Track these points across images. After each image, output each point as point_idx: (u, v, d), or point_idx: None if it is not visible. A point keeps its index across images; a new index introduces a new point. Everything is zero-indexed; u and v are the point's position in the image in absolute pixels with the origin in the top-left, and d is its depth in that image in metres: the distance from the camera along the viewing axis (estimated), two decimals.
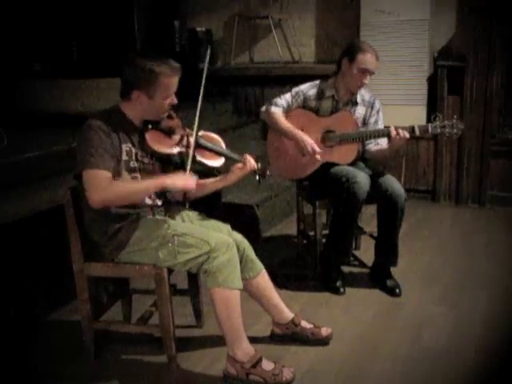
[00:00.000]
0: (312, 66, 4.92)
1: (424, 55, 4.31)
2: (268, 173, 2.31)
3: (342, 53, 2.93)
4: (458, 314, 2.67)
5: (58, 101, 3.80)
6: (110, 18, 4.43)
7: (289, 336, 2.43)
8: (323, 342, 2.42)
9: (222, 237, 2.13)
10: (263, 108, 3.05)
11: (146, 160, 2.18)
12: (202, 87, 2.16)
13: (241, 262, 2.23)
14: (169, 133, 2.15)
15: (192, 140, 2.13)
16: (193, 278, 2.51)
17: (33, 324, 2.63)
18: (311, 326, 2.44)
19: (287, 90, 3.03)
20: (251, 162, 2.28)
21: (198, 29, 5.37)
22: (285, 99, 2.99)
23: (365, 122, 3.04)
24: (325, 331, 2.43)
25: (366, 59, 2.80)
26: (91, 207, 2.06)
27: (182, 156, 2.18)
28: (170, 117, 2.19)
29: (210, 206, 2.46)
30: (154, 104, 2.09)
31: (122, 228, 2.14)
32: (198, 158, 2.18)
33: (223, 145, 2.32)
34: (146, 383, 2.23)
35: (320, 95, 2.98)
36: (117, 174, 2.07)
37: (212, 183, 2.37)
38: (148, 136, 2.11)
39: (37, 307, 2.67)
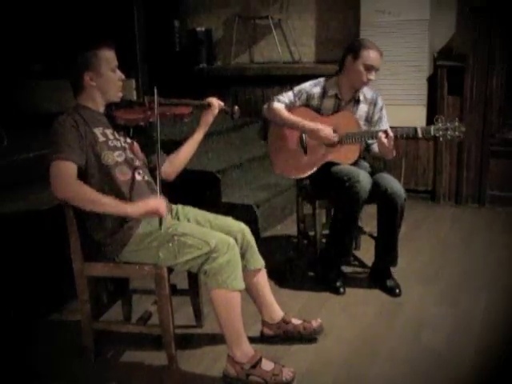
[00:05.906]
0: (312, 66, 4.92)
1: (424, 55, 4.31)
2: (236, 111, 2.48)
3: (345, 51, 2.91)
4: (458, 314, 2.67)
5: (58, 101, 3.80)
6: (110, 18, 4.43)
7: (281, 335, 2.43)
8: (316, 333, 2.42)
9: (223, 237, 2.13)
10: (265, 105, 3.03)
11: (122, 138, 2.25)
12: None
13: (245, 250, 2.27)
14: (131, 105, 2.33)
15: (155, 100, 2.24)
16: (193, 278, 2.51)
17: (33, 324, 2.63)
18: (301, 321, 2.45)
19: (287, 90, 3.01)
20: (218, 102, 2.43)
21: (198, 29, 5.39)
22: (287, 96, 2.97)
23: (367, 120, 3.02)
24: (315, 322, 2.44)
25: (371, 55, 2.80)
26: None
27: (152, 118, 2.27)
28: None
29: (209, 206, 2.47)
30: (105, 79, 2.18)
31: (124, 226, 2.14)
32: (167, 112, 2.33)
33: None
34: (146, 383, 2.23)
35: (323, 94, 2.97)
36: (90, 168, 2.11)
37: (187, 143, 2.44)
38: (115, 114, 2.25)
39: (37, 307, 2.67)
